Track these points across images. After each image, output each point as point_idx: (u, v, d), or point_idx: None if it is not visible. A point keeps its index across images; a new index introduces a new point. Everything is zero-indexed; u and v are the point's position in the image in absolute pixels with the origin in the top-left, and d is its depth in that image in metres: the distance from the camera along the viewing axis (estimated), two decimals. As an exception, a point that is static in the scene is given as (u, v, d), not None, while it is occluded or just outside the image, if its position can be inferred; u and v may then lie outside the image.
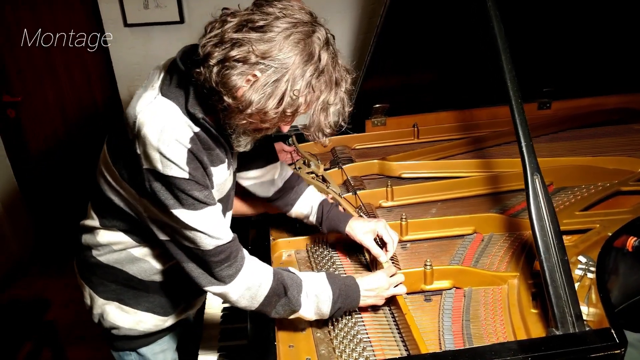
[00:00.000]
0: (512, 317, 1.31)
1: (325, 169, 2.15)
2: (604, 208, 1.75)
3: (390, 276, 1.39)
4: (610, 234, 1.51)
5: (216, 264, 1.21)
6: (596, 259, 1.38)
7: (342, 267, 1.59)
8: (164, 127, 1.13)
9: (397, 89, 2.44)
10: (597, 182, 1.87)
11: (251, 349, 1.27)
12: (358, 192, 1.90)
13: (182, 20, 2.93)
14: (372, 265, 1.55)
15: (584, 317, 1.27)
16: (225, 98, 1.09)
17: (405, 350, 1.25)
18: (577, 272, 1.43)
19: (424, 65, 2.29)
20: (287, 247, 1.70)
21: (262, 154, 1.57)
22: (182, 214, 1.16)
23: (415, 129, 2.43)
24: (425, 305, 1.43)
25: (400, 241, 1.68)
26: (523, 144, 1.29)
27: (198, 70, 1.11)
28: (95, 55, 3.23)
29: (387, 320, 1.36)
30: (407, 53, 2.18)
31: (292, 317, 1.31)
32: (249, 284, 1.25)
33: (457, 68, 2.29)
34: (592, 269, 1.41)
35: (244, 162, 1.52)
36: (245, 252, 1.28)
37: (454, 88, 2.44)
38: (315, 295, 1.29)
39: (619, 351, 1.09)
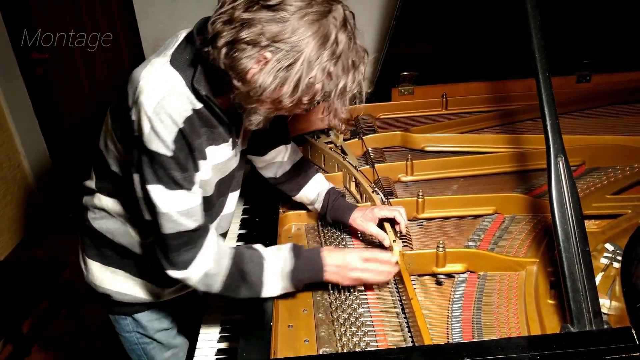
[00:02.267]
0: (527, 307, 1.23)
1: (345, 139, 2.08)
2: (638, 192, 1.63)
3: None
4: (642, 222, 1.41)
5: (174, 247, 1.18)
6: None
7: (352, 244, 1.53)
8: (162, 99, 1.08)
9: (426, 56, 2.32)
10: (633, 163, 1.74)
11: (247, 326, 1.23)
12: (376, 165, 1.83)
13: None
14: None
15: (606, 311, 1.18)
16: (235, 82, 1.04)
17: (410, 337, 1.19)
18: (602, 261, 1.33)
19: (456, 32, 2.17)
20: (297, 220, 1.65)
21: (273, 135, 1.53)
22: (155, 190, 1.13)
23: (444, 99, 2.32)
24: (436, 289, 1.36)
25: (415, 219, 1.61)
26: (548, 122, 1.18)
27: (206, 49, 1.05)
28: (122, 15, 3.18)
29: (393, 305, 1.30)
30: (437, 17, 2.06)
31: (262, 296, 1.28)
32: (205, 271, 1.22)
33: (491, 35, 2.16)
34: (619, 258, 1.31)
35: (254, 143, 1.47)
36: (208, 239, 1.23)
37: (487, 57, 2.31)
38: (279, 273, 1.26)
39: (638, 354, 1.00)
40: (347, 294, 1.32)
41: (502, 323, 1.21)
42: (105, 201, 1.35)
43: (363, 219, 1.48)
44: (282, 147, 1.59)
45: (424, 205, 1.61)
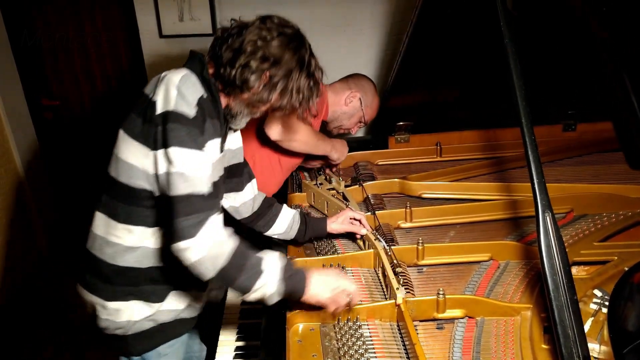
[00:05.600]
0: (523, 352, 1.32)
1: (346, 186, 2.19)
2: (624, 239, 1.73)
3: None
4: (627, 268, 1.50)
5: (184, 212, 1.27)
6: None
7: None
8: (186, 75, 1.32)
9: (421, 106, 2.46)
10: (618, 210, 1.86)
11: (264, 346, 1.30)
12: (377, 212, 1.93)
13: (214, 33, 2.99)
14: (387, 289, 1.57)
15: (596, 355, 1.28)
16: (244, 94, 1.38)
17: (414, 380, 1.28)
18: (591, 306, 1.43)
19: (449, 84, 2.31)
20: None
21: (243, 169, 1.71)
22: (175, 151, 1.27)
23: (438, 147, 2.45)
24: (437, 334, 1.45)
25: (415, 265, 1.71)
26: (535, 181, 1.30)
27: (222, 70, 1.35)
28: (131, 63, 3.33)
29: (397, 349, 1.38)
30: (432, 72, 2.20)
31: (254, 293, 1.35)
32: (213, 242, 1.29)
33: (482, 87, 2.30)
34: (607, 303, 1.41)
35: (230, 180, 1.66)
36: (218, 215, 1.34)
37: (478, 107, 2.45)
38: (277, 266, 1.38)
39: (624, 396, 1.09)
40: (353, 339, 1.40)
41: (499, 367, 1.30)
42: (124, 236, 1.41)
43: (342, 221, 1.82)
44: (253, 181, 1.75)
45: (423, 252, 1.70)
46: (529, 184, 1.97)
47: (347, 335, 1.41)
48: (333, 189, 2.17)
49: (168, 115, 1.28)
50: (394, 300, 1.46)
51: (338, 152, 2.20)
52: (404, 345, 1.39)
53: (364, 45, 3.04)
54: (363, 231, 1.79)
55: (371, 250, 1.72)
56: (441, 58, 2.06)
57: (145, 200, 1.38)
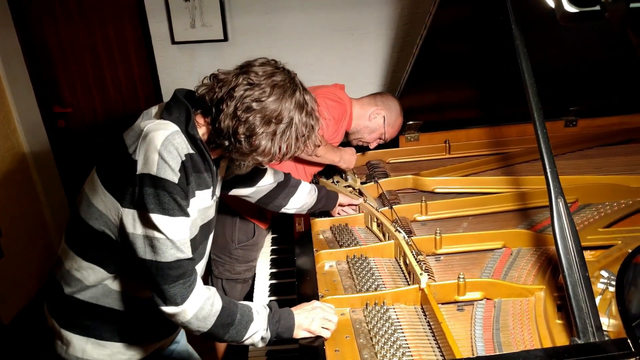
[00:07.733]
0: (539, 327, 1.43)
1: (362, 183, 2.31)
2: (626, 225, 1.86)
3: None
4: (630, 251, 1.63)
5: (172, 278, 1.29)
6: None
7: (381, 279, 1.73)
8: (170, 135, 1.28)
9: (430, 106, 2.58)
10: (620, 199, 1.98)
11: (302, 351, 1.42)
12: (394, 206, 2.05)
13: (225, 39, 3.11)
14: (409, 276, 1.69)
15: (605, 328, 1.39)
16: (259, 157, 1.36)
17: (441, 356, 1.39)
18: (599, 286, 1.54)
19: (457, 85, 2.43)
20: (328, 258, 1.85)
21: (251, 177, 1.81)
22: (158, 218, 1.26)
23: (447, 144, 2.57)
24: (458, 315, 1.56)
25: (434, 254, 1.83)
26: (548, 170, 1.41)
27: (227, 142, 1.33)
28: (142, 70, 3.43)
29: (423, 329, 1.50)
30: (442, 74, 2.32)
31: (247, 340, 1.42)
32: (200, 306, 1.33)
33: (490, 87, 2.42)
34: (613, 283, 1.53)
35: (243, 179, 1.77)
36: (199, 277, 1.38)
37: (485, 105, 2.57)
38: (264, 314, 1.45)
39: (634, 359, 1.21)
40: (382, 321, 1.51)
41: (518, 341, 1.41)
42: (84, 272, 1.42)
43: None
44: (268, 170, 1.86)
45: (441, 241, 1.82)
46: (536, 177, 2.13)
47: (375, 318, 1.52)
48: (349, 186, 2.29)
49: (149, 180, 1.25)
50: (417, 285, 1.58)
51: (346, 162, 2.30)
52: (429, 325, 1.51)
53: (370, 48, 3.17)
54: (359, 200, 2.12)
55: (392, 241, 1.84)
56: (452, 61, 2.18)
57: (108, 244, 1.37)
